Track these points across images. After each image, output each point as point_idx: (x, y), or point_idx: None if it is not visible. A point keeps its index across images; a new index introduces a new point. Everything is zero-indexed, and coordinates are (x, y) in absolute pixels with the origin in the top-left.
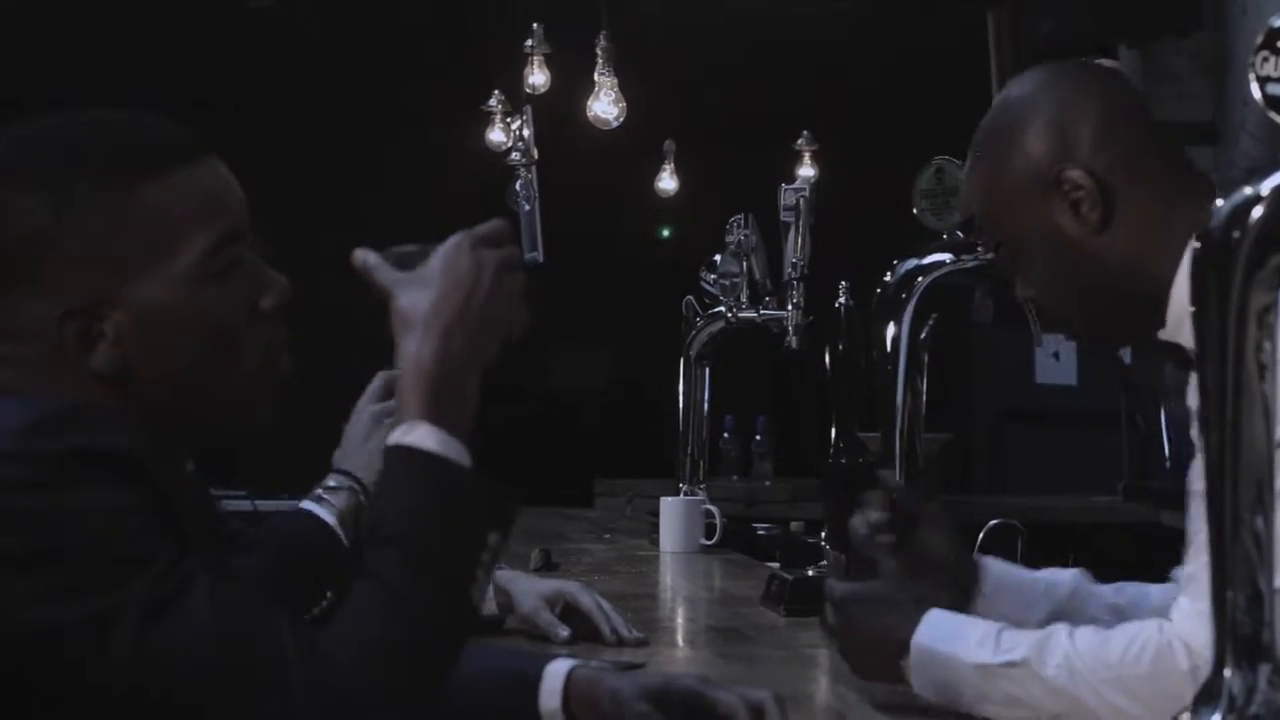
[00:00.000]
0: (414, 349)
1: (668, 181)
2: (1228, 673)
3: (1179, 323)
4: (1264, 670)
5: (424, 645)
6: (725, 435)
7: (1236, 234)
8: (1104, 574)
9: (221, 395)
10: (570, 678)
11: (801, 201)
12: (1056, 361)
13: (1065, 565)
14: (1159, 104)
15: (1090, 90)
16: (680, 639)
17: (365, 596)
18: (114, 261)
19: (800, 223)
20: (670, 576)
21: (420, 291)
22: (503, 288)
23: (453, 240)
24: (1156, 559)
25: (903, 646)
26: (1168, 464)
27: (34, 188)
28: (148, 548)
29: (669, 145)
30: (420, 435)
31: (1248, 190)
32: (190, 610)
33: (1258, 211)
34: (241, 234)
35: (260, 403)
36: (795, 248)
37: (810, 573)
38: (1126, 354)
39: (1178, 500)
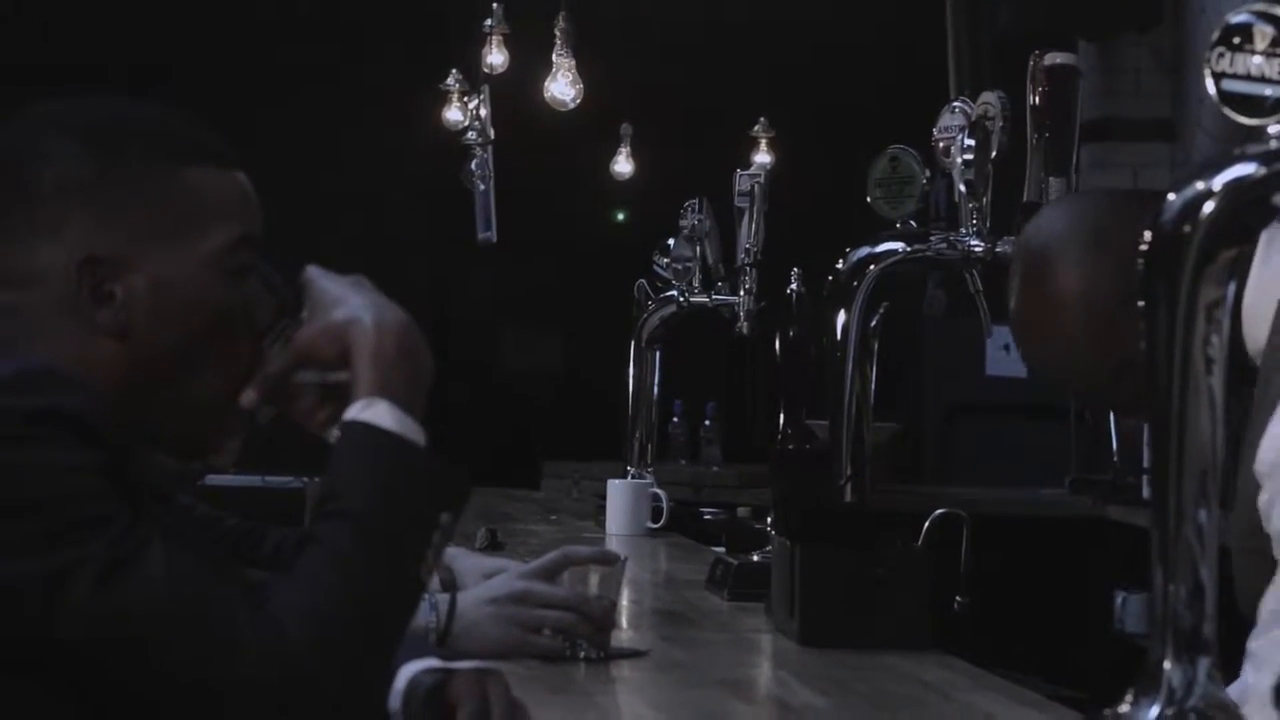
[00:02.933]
0: (371, 322)
1: (624, 164)
2: (1167, 665)
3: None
4: (1203, 663)
5: (370, 618)
6: (674, 419)
7: (1187, 228)
8: (1048, 567)
9: (201, 393)
10: (411, 681)
11: (756, 187)
12: (1007, 354)
13: (1011, 558)
14: (1116, 99)
15: None
16: (624, 621)
17: (314, 565)
18: (143, 228)
19: (755, 209)
20: None
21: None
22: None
23: None
24: (1100, 553)
25: None
26: (1114, 459)
27: (85, 141)
28: (106, 509)
29: (626, 128)
30: (377, 412)
31: (1199, 185)
32: (145, 572)
33: (1209, 206)
34: (259, 242)
35: (229, 421)
36: (749, 233)
37: (755, 558)
38: None
39: (1123, 495)
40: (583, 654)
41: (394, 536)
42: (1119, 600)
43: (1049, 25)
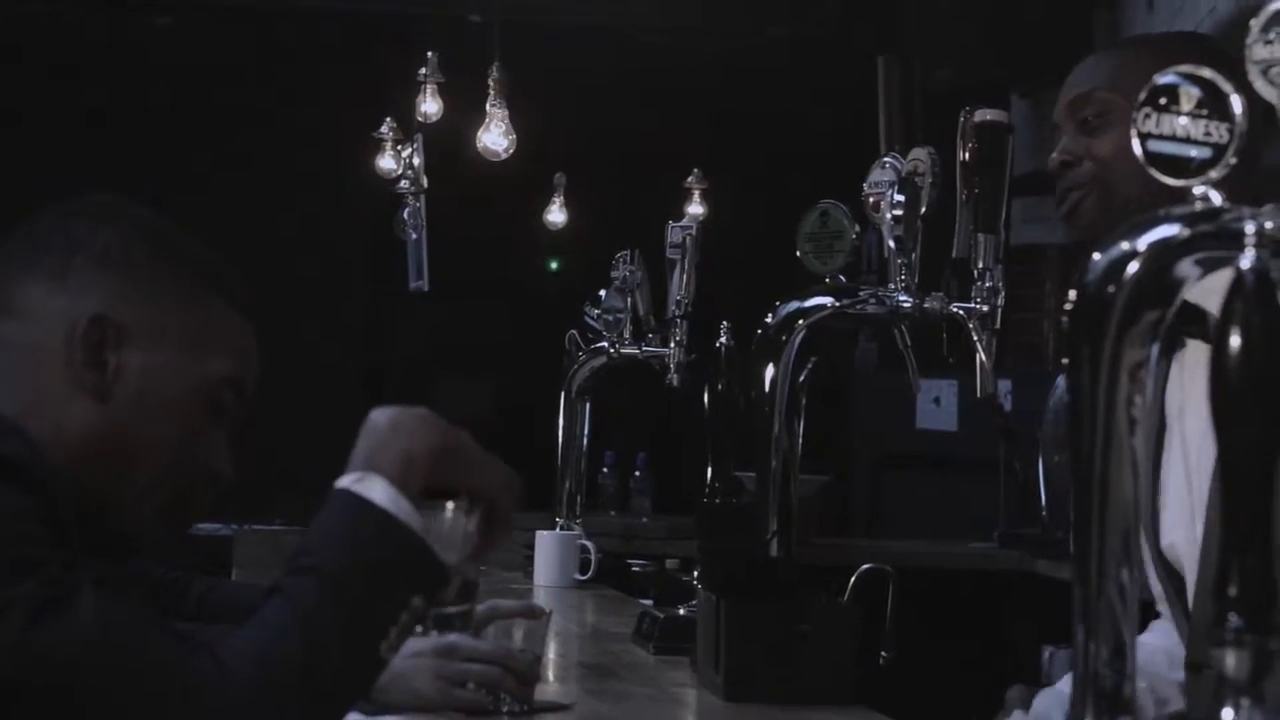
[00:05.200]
0: (373, 413)
1: (556, 214)
2: None
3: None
4: None
5: (321, 675)
6: (605, 470)
7: (1111, 289)
8: (976, 621)
9: (140, 494)
10: None
11: (688, 239)
12: (937, 407)
13: (939, 611)
14: (1048, 153)
15: None
16: (550, 674)
17: (274, 614)
18: (159, 323)
19: (686, 260)
20: None
21: None
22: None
23: None
24: (1029, 607)
25: None
26: (1044, 512)
27: (144, 233)
28: (39, 553)
29: (559, 178)
30: (369, 485)
31: (1124, 245)
32: (75, 614)
33: (1133, 267)
34: (245, 393)
35: (156, 530)
36: (680, 285)
37: (681, 611)
38: (1006, 400)
39: (1052, 548)
40: (506, 708)
41: (360, 604)
42: (1046, 655)
43: (982, 79)
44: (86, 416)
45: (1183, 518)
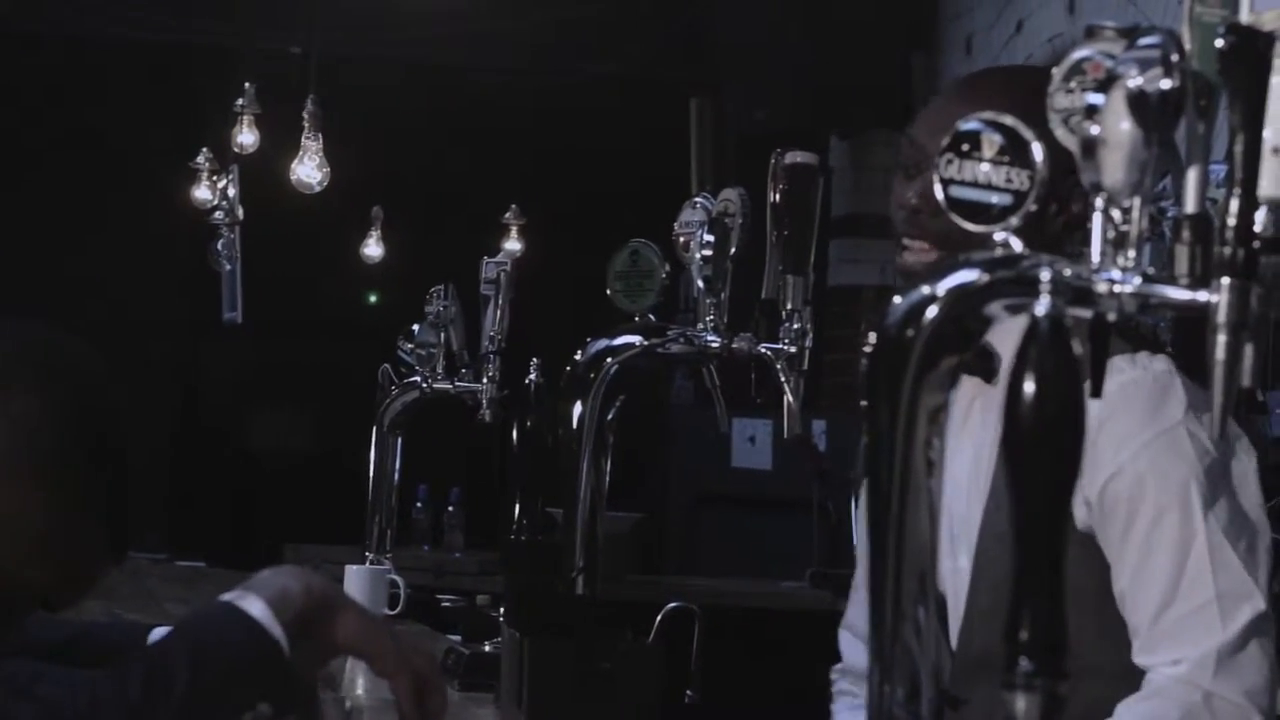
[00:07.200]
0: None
1: (373, 248)
2: None
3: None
4: None
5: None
6: (418, 505)
7: (910, 332)
8: (786, 660)
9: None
10: None
11: (502, 275)
12: (752, 446)
13: (749, 651)
14: (865, 196)
15: None
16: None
17: (126, 666)
18: (9, 506)
19: (500, 296)
20: None
21: None
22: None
23: None
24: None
25: None
26: (855, 552)
27: (77, 419)
28: None
29: (376, 212)
30: (248, 601)
31: (924, 289)
32: None
33: (931, 312)
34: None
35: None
36: (493, 321)
37: (487, 648)
38: (821, 440)
39: None
40: None
41: (211, 685)
42: None
43: (802, 122)
44: None
45: (947, 547)
